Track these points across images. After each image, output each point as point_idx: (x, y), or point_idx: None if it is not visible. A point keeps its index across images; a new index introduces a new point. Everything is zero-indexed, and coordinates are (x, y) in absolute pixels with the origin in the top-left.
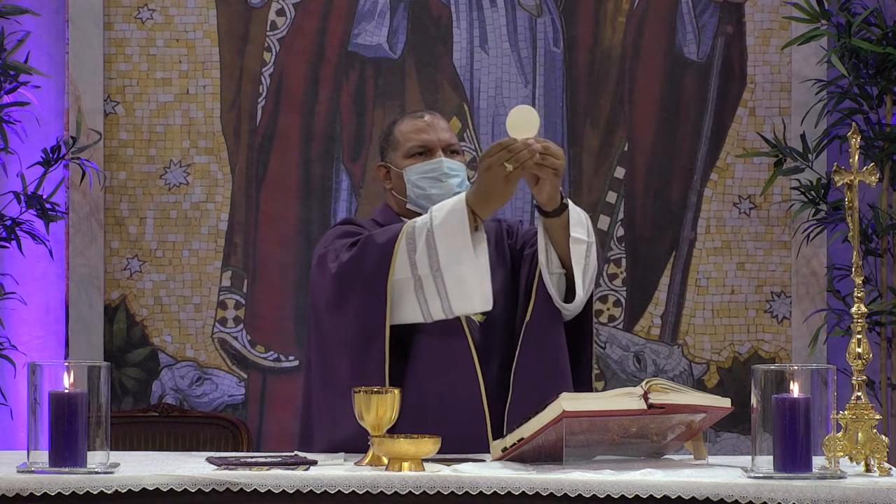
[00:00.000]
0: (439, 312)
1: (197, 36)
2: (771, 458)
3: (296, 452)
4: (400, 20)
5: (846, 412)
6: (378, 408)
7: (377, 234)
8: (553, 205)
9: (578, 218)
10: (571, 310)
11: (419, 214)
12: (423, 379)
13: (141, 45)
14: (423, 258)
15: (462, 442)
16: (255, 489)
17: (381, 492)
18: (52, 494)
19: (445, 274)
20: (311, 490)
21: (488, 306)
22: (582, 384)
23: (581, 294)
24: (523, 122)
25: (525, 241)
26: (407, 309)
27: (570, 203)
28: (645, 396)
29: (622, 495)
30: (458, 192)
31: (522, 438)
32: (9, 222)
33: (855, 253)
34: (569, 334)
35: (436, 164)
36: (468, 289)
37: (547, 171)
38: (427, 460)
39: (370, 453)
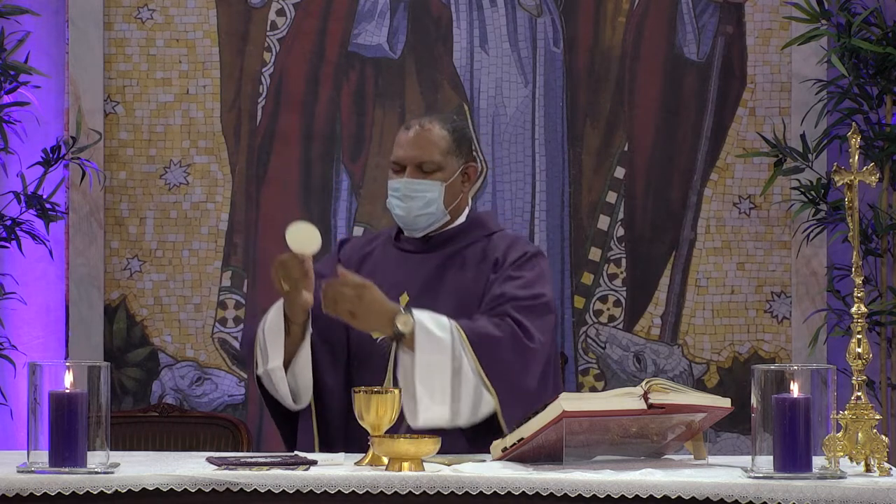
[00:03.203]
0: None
1: (197, 36)
2: (771, 458)
3: (296, 453)
4: (400, 20)
5: (846, 412)
6: (378, 408)
7: (251, 331)
8: (382, 334)
9: (437, 343)
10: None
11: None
12: None
13: (141, 45)
14: (260, 360)
15: None
16: (255, 489)
17: (381, 492)
18: (52, 494)
19: (272, 375)
20: (311, 490)
21: (303, 404)
22: None
23: (433, 414)
24: (304, 238)
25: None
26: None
27: (428, 323)
28: (645, 396)
29: (622, 495)
30: (422, 214)
31: (522, 438)
32: (9, 222)
33: (855, 253)
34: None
35: (399, 184)
36: (282, 391)
37: (342, 315)
38: (427, 460)
39: (370, 453)
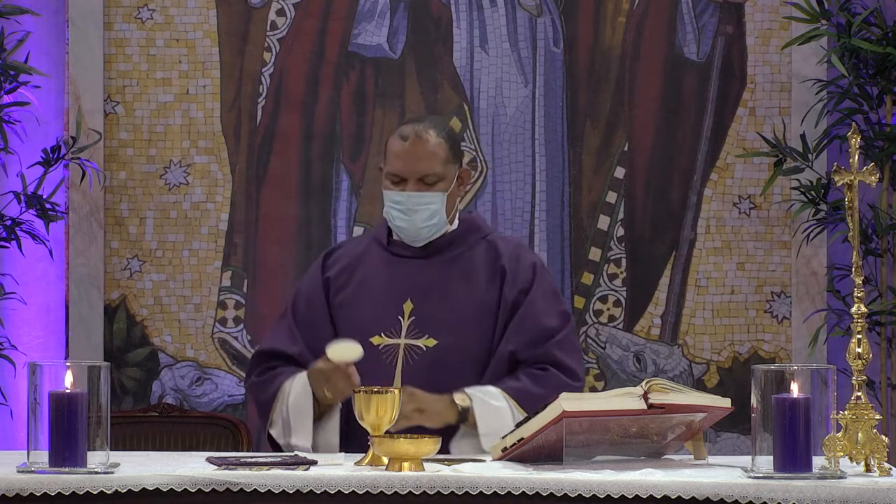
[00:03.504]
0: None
1: (197, 36)
2: (771, 458)
3: (296, 453)
4: (400, 20)
5: (846, 412)
6: (378, 408)
7: (260, 387)
8: (449, 421)
9: (497, 413)
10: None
11: (399, 237)
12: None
13: (141, 45)
14: (280, 429)
15: None
16: (255, 489)
17: (381, 492)
18: (52, 494)
19: (296, 449)
20: (311, 490)
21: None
22: None
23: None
24: (345, 350)
25: (513, 319)
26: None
27: (483, 396)
28: (645, 396)
29: (622, 495)
30: (426, 226)
31: (522, 438)
32: (9, 222)
33: (855, 253)
34: None
35: (403, 198)
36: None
37: (415, 422)
38: (427, 460)
39: (370, 453)
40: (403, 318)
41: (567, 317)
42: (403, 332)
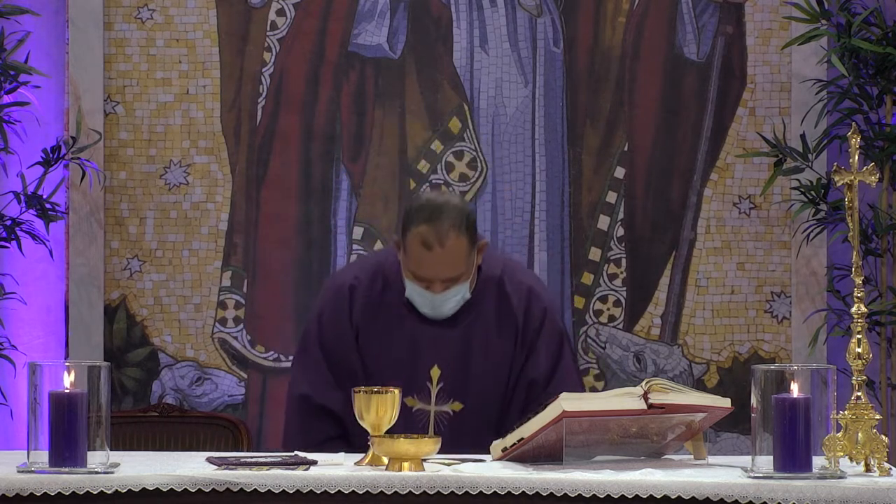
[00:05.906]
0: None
1: (197, 36)
2: (771, 458)
3: (296, 452)
4: (400, 20)
5: (846, 412)
6: (378, 408)
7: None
8: None
9: None
10: None
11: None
12: None
13: (141, 45)
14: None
15: None
16: (255, 489)
17: (381, 492)
18: (52, 494)
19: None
20: (311, 490)
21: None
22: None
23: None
24: None
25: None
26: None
27: None
28: (645, 396)
29: (622, 495)
30: (452, 307)
31: (522, 438)
32: (9, 222)
33: (855, 253)
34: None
35: (428, 295)
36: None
37: None
38: (427, 460)
39: (370, 453)
40: (432, 384)
41: (574, 368)
42: (433, 400)
